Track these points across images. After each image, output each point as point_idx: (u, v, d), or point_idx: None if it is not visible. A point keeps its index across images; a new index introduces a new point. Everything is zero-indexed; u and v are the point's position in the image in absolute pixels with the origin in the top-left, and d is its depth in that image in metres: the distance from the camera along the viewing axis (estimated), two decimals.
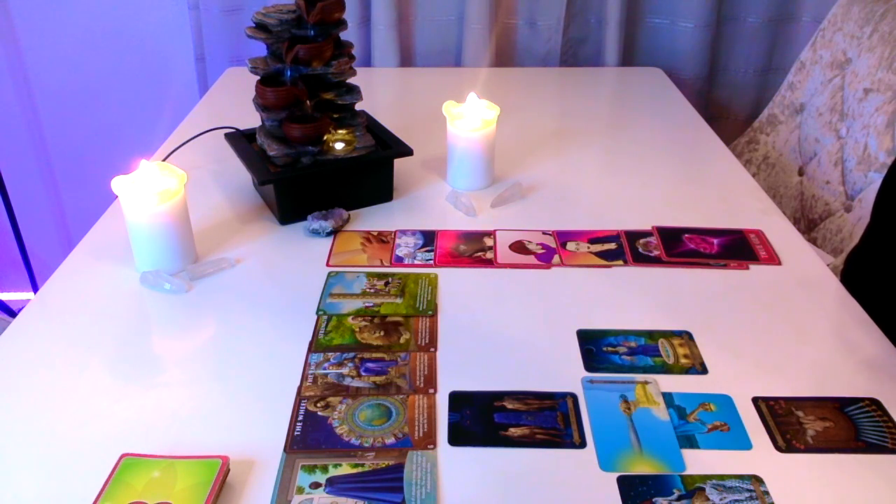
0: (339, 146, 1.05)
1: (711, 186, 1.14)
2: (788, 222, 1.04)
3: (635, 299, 0.88)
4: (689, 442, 0.68)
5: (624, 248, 0.98)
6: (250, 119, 1.14)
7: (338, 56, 1.03)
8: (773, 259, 0.96)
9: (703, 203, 1.09)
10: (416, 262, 0.95)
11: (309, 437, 0.68)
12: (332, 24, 1.01)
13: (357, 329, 0.83)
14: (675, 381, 0.76)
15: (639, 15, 1.67)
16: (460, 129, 1.09)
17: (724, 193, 1.12)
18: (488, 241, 1.00)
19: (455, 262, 0.95)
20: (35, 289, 1.96)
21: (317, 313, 0.86)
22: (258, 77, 1.02)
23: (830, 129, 1.36)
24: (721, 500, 0.62)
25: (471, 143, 1.10)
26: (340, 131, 1.06)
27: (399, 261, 0.96)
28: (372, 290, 0.90)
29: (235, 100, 1.44)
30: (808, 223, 1.37)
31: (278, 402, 0.73)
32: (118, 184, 0.88)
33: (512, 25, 1.67)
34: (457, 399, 0.73)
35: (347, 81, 1.06)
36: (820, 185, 1.35)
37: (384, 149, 1.08)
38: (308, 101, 1.03)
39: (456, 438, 0.68)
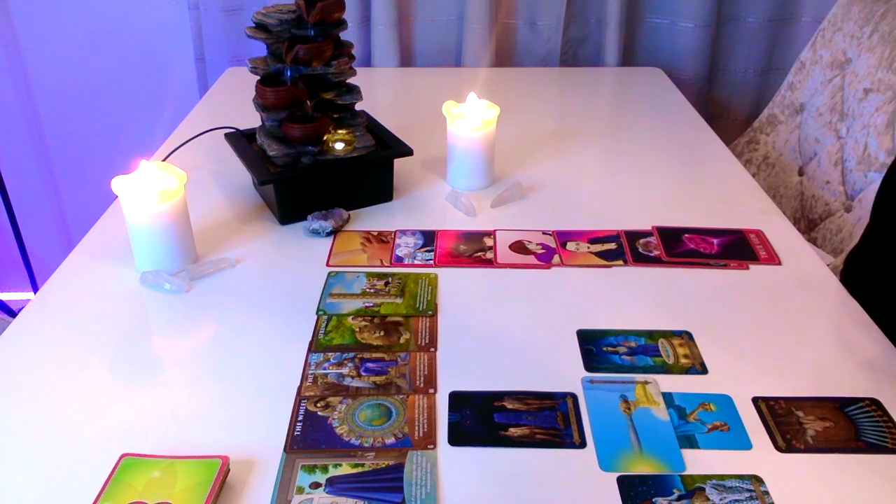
0: (339, 146, 1.05)
1: (711, 186, 1.14)
2: (788, 222, 1.04)
3: (635, 299, 0.88)
4: (689, 442, 0.68)
5: (624, 248, 0.98)
6: (250, 119, 1.14)
7: (338, 56, 1.03)
8: (773, 259, 0.96)
9: (703, 203, 1.09)
10: (416, 262, 0.95)
11: (309, 437, 0.68)
12: (332, 24, 1.01)
13: (357, 329, 0.83)
14: (675, 381, 0.76)
15: (639, 15, 1.67)
16: (460, 129, 1.09)
17: (724, 193, 1.12)
18: (488, 241, 1.00)
19: (455, 262, 0.95)
20: (35, 289, 1.96)
21: (317, 313, 0.86)
22: (258, 77, 1.02)
23: (830, 129, 1.36)
24: (721, 500, 0.62)
25: (471, 143, 1.10)
26: (340, 131, 1.06)
27: (399, 261, 0.96)
28: (372, 290, 0.90)
29: (235, 100, 1.44)
30: (808, 223, 1.37)
31: (278, 402, 0.73)
32: (118, 184, 0.88)
33: (512, 25, 1.67)
34: (457, 399, 0.73)
35: (347, 81, 1.06)
36: (820, 185, 1.35)
37: (384, 149, 1.08)
38: (308, 101, 1.03)
39: (456, 438, 0.68)
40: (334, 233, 1.02)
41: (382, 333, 0.82)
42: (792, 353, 0.79)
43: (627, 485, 0.64)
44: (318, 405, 0.72)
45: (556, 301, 0.88)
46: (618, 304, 0.87)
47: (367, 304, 0.87)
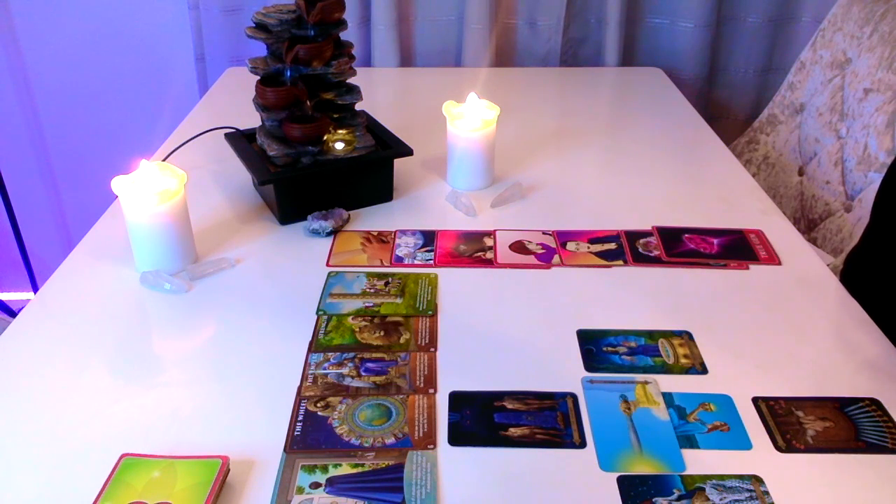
0: (339, 146, 1.05)
1: (711, 186, 1.14)
2: (788, 222, 1.04)
3: (635, 299, 0.88)
4: (689, 442, 0.68)
5: (624, 248, 0.98)
6: (250, 119, 1.14)
7: (338, 56, 1.03)
8: (773, 259, 0.96)
9: (703, 203, 1.09)
10: (416, 262, 0.95)
11: (309, 437, 0.68)
12: (332, 24, 1.01)
13: (357, 329, 0.83)
14: (675, 381, 0.76)
15: (639, 15, 1.67)
16: (460, 129, 1.09)
17: (724, 193, 1.12)
18: (488, 241, 1.00)
19: (455, 262, 0.95)
20: (35, 289, 1.96)
21: (317, 313, 0.86)
22: (258, 77, 1.02)
23: (830, 129, 1.36)
24: (721, 500, 0.62)
25: (471, 143, 1.10)
26: (340, 131, 1.06)
27: (399, 261, 0.96)
28: (372, 290, 0.90)
29: (235, 100, 1.44)
30: (808, 223, 1.37)
31: (278, 402, 0.73)
32: (118, 184, 0.88)
33: (512, 25, 1.67)
34: (457, 399, 0.73)
35: (347, 81, 1.06)
36: (820, 185, 1.35)
37: (384, 149, 1.08)
38: (308, 101, 1.03)
39: (456, 438, 0.68)
40: (334, 233, 1.02)
41: (382, 333, 0.82)
42: (792, 353, 0.79)
43: (627, 485, 0.64)
44: (318, 405, 0.72)
45: (556, 301, 0.88)
46: (618, 304, 0.88)
47: (367, 304, 0.87)
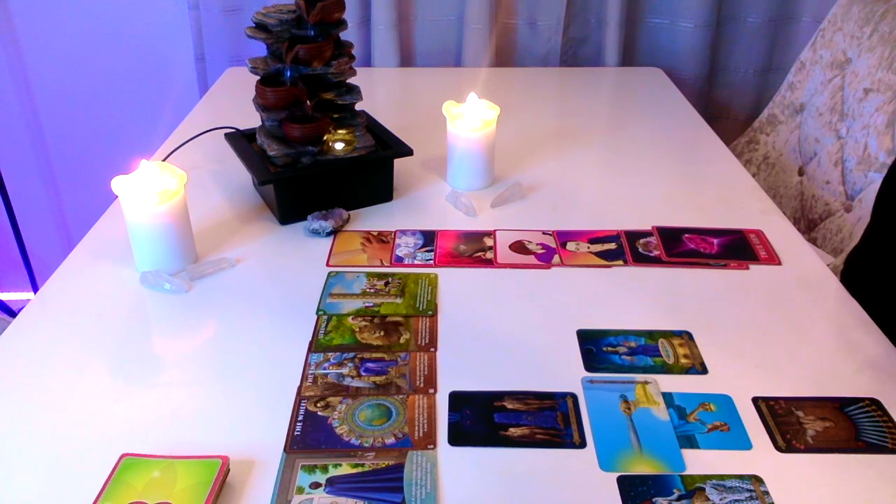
0: (339, 146, 1.05)
1: (711, 186, 1.14)
2: (788, 222, 1.04)
3: (635, 299, 0.88)
4: (689, 442, 0.68)
5: (624, 248, 0.98)
6: (250, 119, 1.14)
7: (338, 56, 1.03)
8: (773, 259, 0.96)
9: (703, 203, 1.09)
10: (416, 262, 0.95)
11: (309, 437, 0.68)
12: (332, 24, 1.01)
13: (357, 329, 0.83)
14: (675, 381, 0.76)
15: (639, 15, 1.67)
16: (460, 129, 1.09)
17: (724, 193, 1.12)
18: (488, 241, 1.00)
19: (455, 262, 0.95)
20: (35, 289, 1.96)
21: (317, 313, 0.86)
22: (258, 77, 1.02)
23: (830, 129, 1.36)
24: (721, 500, 0.62)
25: (471, 143, 1.10)
26: (340, 131, 1.06)
27: (399, 261, 0.96)
28: (372, 290, 0.90)
29: (235, 100, 1.44)
30: (808, 223, 1.37)
31: (278, 402, 0.73)
32: (118, 184, 0.88)
33: (512, 25, 1.67)
34: (457, 399, 0.73)
35: (347, 81, 1.06)
36: (820, 185, 1.35)
37: (384, 149, 1.08)
38: (308, 101, 1.03)
39: (456, 438, 0.68)
40: (334, 233, 1.02)
41: (382, 333, 0.82)
42: (792, 353, 0.79)
43: (627, 485, 0.64)
44: (318, 405, 0.72)
45: (556, 301, 0.88)
46: (618, 304, 0.87)
47: (367, 304, 0.87)
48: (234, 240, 1.00)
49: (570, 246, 0.99)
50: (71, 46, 1.75)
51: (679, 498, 0.62)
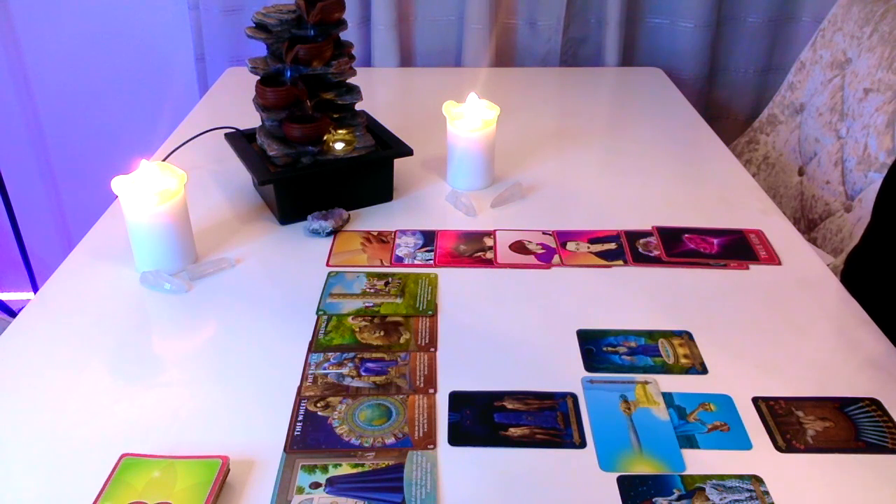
0: (339, 146, 1.05)
1: (711, 186, 1.14)
2: (788, 222, 1.04)
3: (635, 299, 0.88)
4: (689, 442, 0.68)
5: (624, 248, 0.98)
6: (250, 119, 1.14)
7: (338, 56, 1.03)
8: (773, 259, 0.96)
9: (703, 203, 1.09)
10: (416, 262, 0.95)
11: (309, 437, 0.68)
12: (332, 24, 1.01)
13: (357, 329, 0.83)
14: (675, 381, 0.76)
15: (639, 15, 1.67)
16: (460, 129, 1.09)
17: (724, 193, 1.12)
18: (488, 241, 1.00)
19: (455, 262, 0.95)
20: (35, 289, 1.96)
21: (317, 313, 0.86)
22: (258, 77, 1.02)
23: (830, 129, 1.36)
24: (721, 500, 0.62)
25: (471, 143, 1.10)
26: (340, 131, 1.06)
27: (399, 261, 0.96)
28: (372, 290, 0.90)
29: (235, 100, 1.44)
30: (808, 223, 1.37)
31: (278, 402, 0.73)
32: (118, 184, 0.88)
33: (512, 25, 1.67)
34: (457, 399, 0.73)
35: (347, 81, 1.06)
36: (820, 185, 1.35)
37: (384, 149, 1.08)
38: (308, 101, 1.03)
39: (456, 438, 0.68)
40: (334, 233, 1.02)
41: (382, 333, 0.82)
42: (792, 353, 0.79)
43: (627, 485, 0.64)
44: (318, 405, 0.72)
45: (556, 301, 0.88)
46: (618, 304, 0.88)
47: (367, 304, 0.87)
48: (234, 240, 1.00)
49: (570, 246, 0.99)
50: (71, 46, 1.75)
51: (679, 498, 0.62)
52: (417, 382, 0.75)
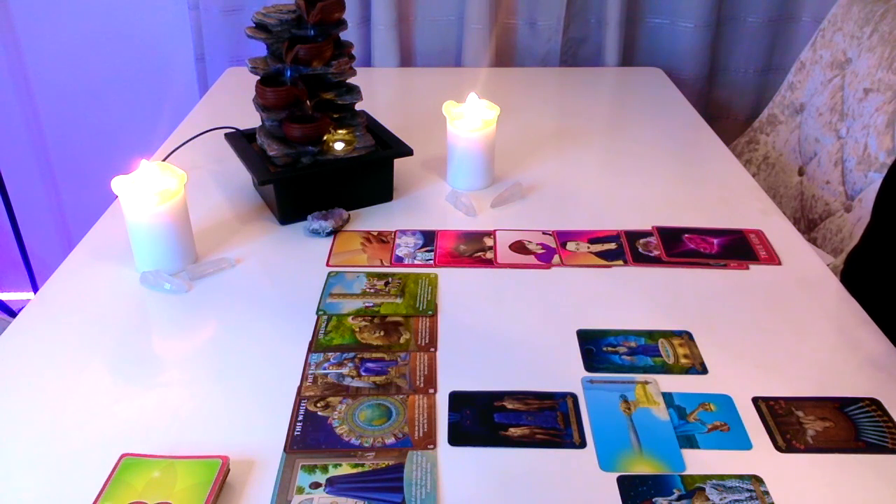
0: (339, 146, 1.05)
1: (711, 186, 1.14)
2: (788, 222, 1.04)
3: (635, 299, 0.88)
4: (689, 442, 0.68)
5: (624, 248, 0.98)
6: (250, 119, 1.14)
7: (338, 56, 1.03)
8: (773, 259, 0.96)
9: (703, 203, 1.09)
10: (416, 262, 0.95)
11: (309, 437, 0.68)
12: (332, 24, 1.01)
13: (357, 329, 0.83)
14: (675, 381, 0.76)
15: (639, 15, 1.67)
16: (460, 129, 1.09)
17: (724, 193, 1.12)
18: (488, 241, 1.00)
19: (455, 262, 0.95)
20: (35, 289, 1.96)
21: (317, 313, 0.86)
22: (258, 77, 1.02)
23: (830, 129, 1.36)
24: (721, 500, 0.62)
25: (471, 143, 1.10)
26: (340, 131, 1.06)
27: (399, 261, 0.96)
28: (372, 290, 0.90)
29: (235, 100, 1.44)
30: (808, 223, 1.37)
31: (278, 402, 0.73)
32: (118, 184, 0.88)
33: (512, 25, 1.67)
34: (457, 399, 0.73)
35: (347, 81, 1.06)
36: (820, 185, 1.35)
37: (384, 149, 1.08)
38: (308, 101, 1.03)
39: (456, 438, 0.68)
40: (334, 233, 1.02)
41: (382, 333, 0.82)
42: (792, 353, 0.79)
43: (627, 485, 0.64)
44: (318, 405, 0.72)
45: (556, 301, 0.88)
46: (618, 304, 0.88)
47: (367, 304, 0.87)
48: (234, 240, 1.00)
49: (570, 246, 0.99)
50: (71, 46, 1.75)
51: (679, 498, 0.62)
52: (417, 382, 0.75)
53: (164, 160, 1.16)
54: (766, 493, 0.63)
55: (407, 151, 1.08)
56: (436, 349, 0.80)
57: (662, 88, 1.55)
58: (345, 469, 0.65)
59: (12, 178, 1.86)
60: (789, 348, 0.80)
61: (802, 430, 0.69)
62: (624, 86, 1.59)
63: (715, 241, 1.00)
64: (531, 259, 0.96)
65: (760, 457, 0.67)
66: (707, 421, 0.70)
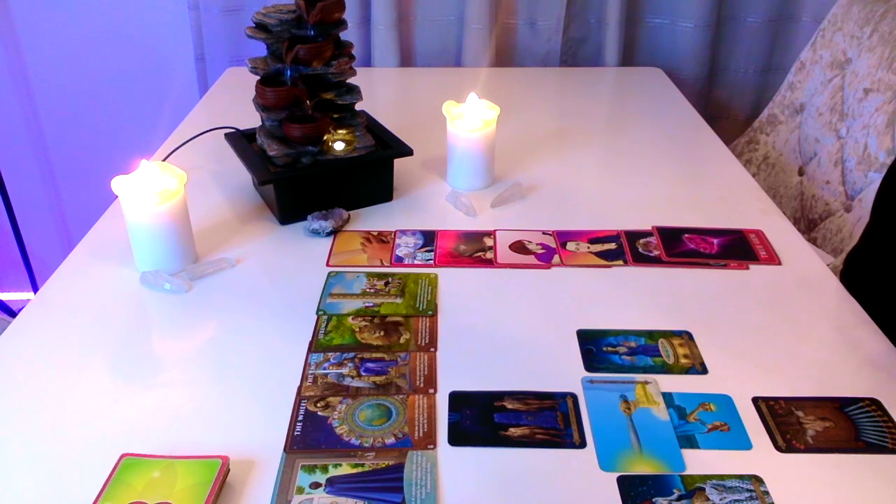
0: (339, 146, 1.05)
1: (711, 186, 1.14)
2: (788, 222, 1.04)
3: (635, 299, 0.88)
4: (689, 442, 0.68)
5: (624, 248, 0.98)
6: (250, 119, 1.14)
7: (338, 56, 1.03)
8: (773, 259, 0.96)
9: (703, 203, 1.09)
10: (416, 262, 0.95)
11: (309, 437, 0.68)
12: (332, 24, 1.01)
13: (357, 329, 0.83)
14: (675, 381, 0.76)
15: (639, 15, 1.67)
16: (460, 129, 1.09)
17: (724, 193, 1.12)
18: (488, 241, 1.00)
19: (455, 262, 0.95)
20: (35, 289, 1.96)
21: (317, 313, 0.86)
22: (258, 77, 1.02)
23: (830, 129, 1.36)
24: (721, 500, 0.62)
25: (471, 143, 1.10)
26: (340, 131, 1.06)
27: (399, 261, 0.96)
28: (372, 290, 0.90)
29: (235, 100, 1.44)
30: (808, 223, 1.37)
31: (278, 402, 0.73)
32: (118, 184, 0.88)
33: (512, 25, 1.67)
34: (457, 399, 0.73)
35: (347, 81, 1.06)
36: (820, 185, 1.35)
37: (384, 149, 1.08)
38: (308, 101, 1.03)
39: (456, 438, 0.68)
40: (334, 233, 1.02)
41: (382, 333, 0.82)
42: (792, 353, 0.79)
43: (627, 485, 0.64)
44: (318, 405, 0.72)
45: (555, 301, 0.88)
46: (618, 304, 0.88)
47: (367, 304, 0.87)
48: (234, 240, 1.00)
49: (570, 246, 0.99)
50: (71, 46, 1.75)
51: (679, 498, 0.62)
52: (417, 382, 0.75)
53: (164, 160, 1.16)
54: (766, 493, 0.63)
55: (407, 151, 1.08)
56: (436, 349, 0.80)
57: (662, 88, 1.55)
58: (345, 469, 0.65)
59: (12, 178, 1.86)
60: (789, 348, 0.80)
61: (802, 430, 0.69)
62: (624, 86, 1.59)
63: (715, 241, 1.00)
64: (531, 259, 0.96)
65: (760, 457, 0.67)
66: (707, 421, 0.70)
